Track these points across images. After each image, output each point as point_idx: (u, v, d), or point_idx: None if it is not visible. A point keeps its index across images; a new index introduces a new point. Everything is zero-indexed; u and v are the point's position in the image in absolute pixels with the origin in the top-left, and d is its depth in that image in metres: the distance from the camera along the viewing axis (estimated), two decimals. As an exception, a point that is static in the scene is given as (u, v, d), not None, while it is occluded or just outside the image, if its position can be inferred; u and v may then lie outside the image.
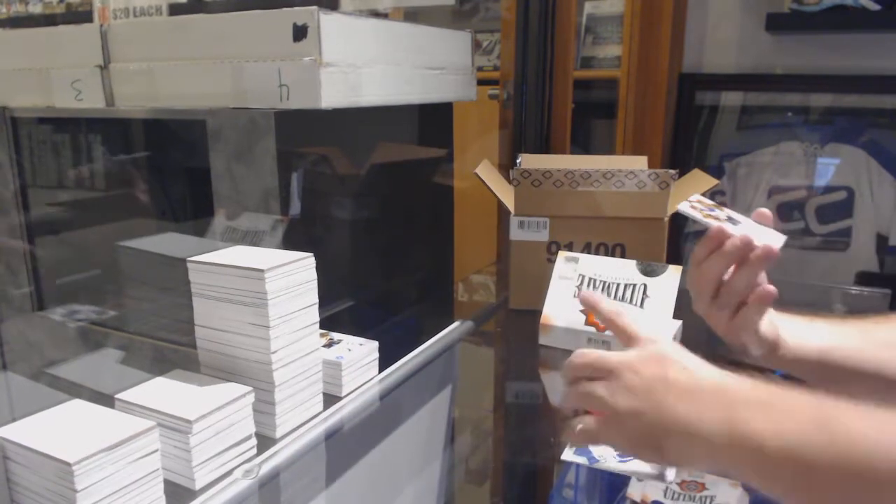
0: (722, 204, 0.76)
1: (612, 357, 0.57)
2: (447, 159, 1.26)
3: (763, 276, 0.71)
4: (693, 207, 0.73)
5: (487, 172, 1.20)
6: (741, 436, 0.45)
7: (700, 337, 0.76)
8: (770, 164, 1.52)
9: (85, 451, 0.53)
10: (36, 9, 1.75)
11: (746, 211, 0.73)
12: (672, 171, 1.06)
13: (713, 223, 0.70)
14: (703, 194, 0.77)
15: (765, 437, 0.44)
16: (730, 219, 0.72)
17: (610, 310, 0.63)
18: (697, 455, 0.48)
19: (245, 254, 0.72)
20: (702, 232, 0.73)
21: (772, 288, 0.66)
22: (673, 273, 0.98)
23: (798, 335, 0.73)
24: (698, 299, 0.71)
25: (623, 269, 1.01)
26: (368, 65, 0.94)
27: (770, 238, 0.69)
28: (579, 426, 0.57)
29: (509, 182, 1.15)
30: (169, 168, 1.11)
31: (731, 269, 0.69)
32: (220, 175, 0.91)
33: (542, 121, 1.51)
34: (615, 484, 0.72)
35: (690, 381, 0.51)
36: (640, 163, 1.18)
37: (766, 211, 0.73)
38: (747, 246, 0.66)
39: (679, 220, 1.58)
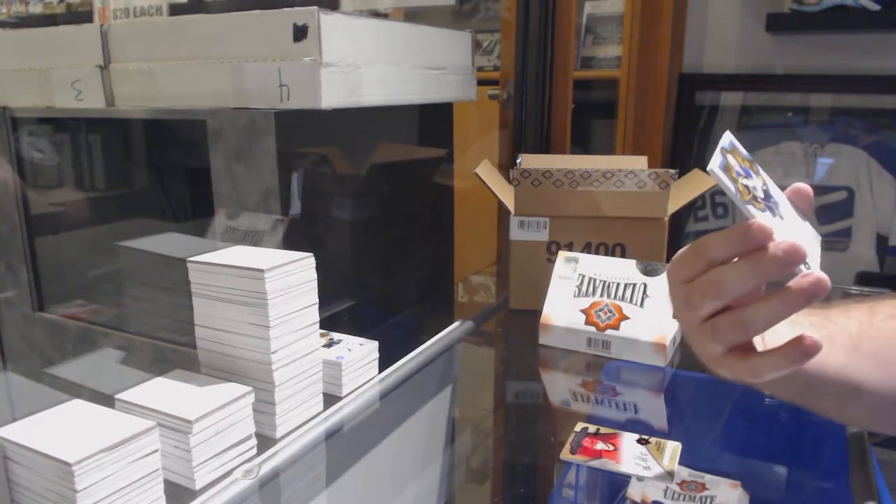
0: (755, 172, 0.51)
1: None
2: (447, 159, 1.26)
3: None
4: (727, 169, 0.48)
5: (487, 172, 1.20)
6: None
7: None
8: (770, 164, 1.52)
9: (85, 451, 0.53)
10: (36, 9, 1.75)
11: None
12: (672, 171, 1.06)
13: (753, 210, 0.47)
14: (705, 193, 0.74)
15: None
16: (767, 196, 0.50)
17: None
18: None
19: (245, 254, 0.72)
20: (703, 232, 0.66)
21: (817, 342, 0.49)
22: (673, 273, 0.98)
23: None
24: (680, 310, 0.51)
25: (623, 269, 1.01)
26: (368, 65, 0.94)
27: (807, 242, 0.47)
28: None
29: (509, 182, 1.15)
30: (169, 168, 1.11)
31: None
32: (221, 175, 0.91)
33: (542, 121, 1.51)
34: (615, 484, 0.72)
35: None
36: (640, 163, 1.18)
37: (805, 188, 0.52)
38: (792, 261, 0.45)
39: (679, 219, 1.58)
